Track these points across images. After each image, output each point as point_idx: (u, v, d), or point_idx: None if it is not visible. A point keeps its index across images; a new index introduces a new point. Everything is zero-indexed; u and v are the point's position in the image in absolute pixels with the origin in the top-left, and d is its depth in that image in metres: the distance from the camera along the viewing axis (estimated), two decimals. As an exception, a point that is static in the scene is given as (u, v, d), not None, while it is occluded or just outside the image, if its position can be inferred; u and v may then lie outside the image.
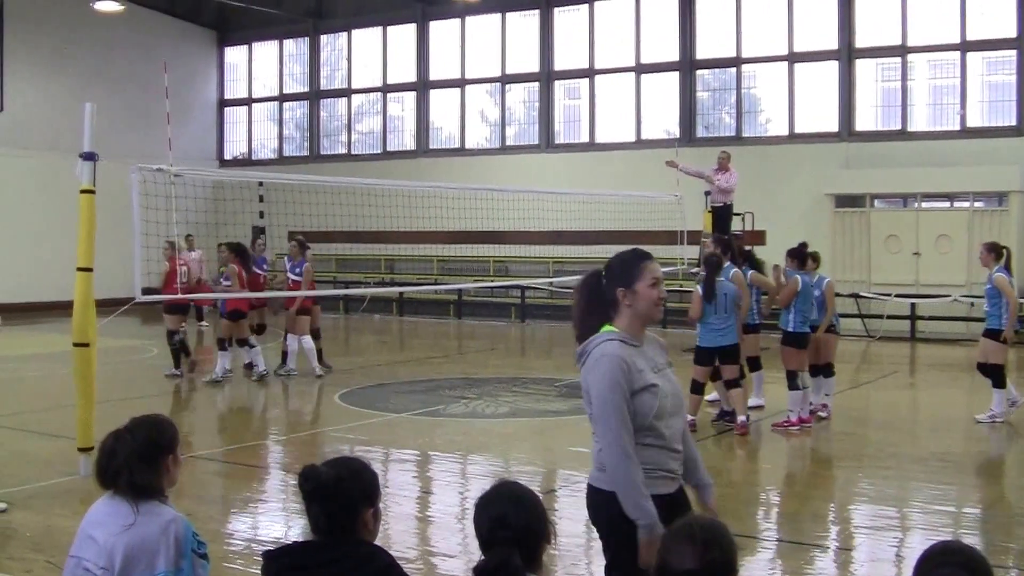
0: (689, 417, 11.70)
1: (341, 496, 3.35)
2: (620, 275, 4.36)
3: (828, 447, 11.54)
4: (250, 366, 16.16)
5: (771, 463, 10.89)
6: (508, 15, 28.16)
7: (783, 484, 10.19)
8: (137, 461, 3.80)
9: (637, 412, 4.15)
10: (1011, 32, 22.16)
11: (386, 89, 30.66)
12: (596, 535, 4.09)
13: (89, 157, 9.23)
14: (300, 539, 3.58)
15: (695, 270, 16.54)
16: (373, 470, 3.48)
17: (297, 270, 16.54)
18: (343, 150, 31.70)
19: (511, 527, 3.22)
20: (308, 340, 16.17)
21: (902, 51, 23.26)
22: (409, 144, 30.35)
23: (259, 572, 3.43)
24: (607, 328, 4.32)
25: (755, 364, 13.27)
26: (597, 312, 4.39)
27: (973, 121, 22.69)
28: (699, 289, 11.90)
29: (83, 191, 9.27)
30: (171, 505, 3.89)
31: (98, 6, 28.21)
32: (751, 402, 12.85)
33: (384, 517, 6.31)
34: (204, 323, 24.37)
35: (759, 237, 22.36)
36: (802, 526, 8.26)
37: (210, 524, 7.73)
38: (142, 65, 28.78)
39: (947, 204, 22.54)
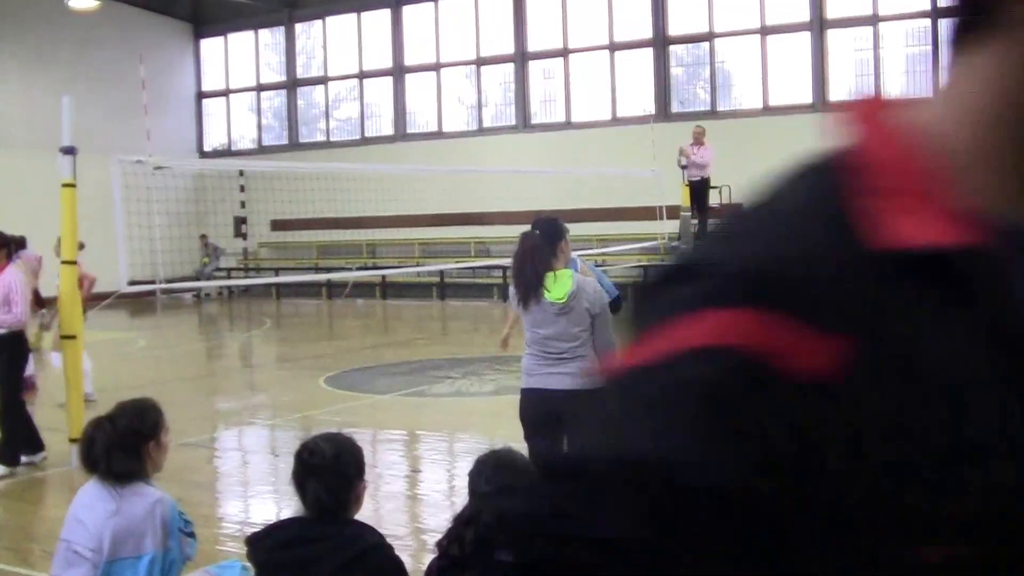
0: None
1: (340, 470, 3.42)
2: None
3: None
4: None
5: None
6: (481, -3, 28.24)
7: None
8: (115, 449, 3.84)
9: None
10: (980, -3, 22.29)
11: (362, 76, 30.70)
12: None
13: (69, 151, 9.35)
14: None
15: (675, 244, 16.71)
16: (359, 445, 3.59)
17: None
18: (322, 138, 31.74)
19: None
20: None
21: (874, 20, 23.41)
22: (387, 130, 30.39)
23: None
24: None
25: None
26: None
27: (946, 88, 22.83)
28: None
29: (64, 185, 9.40)
30: (156, 485, 3.97)
31: (73, 3, 28.12)
32: None
33: (373, 496, 6.50)
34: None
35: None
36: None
37: (201, 508, 7.84)
38: (120, 60, 28.70)
39: (922, 171, 22.72)
